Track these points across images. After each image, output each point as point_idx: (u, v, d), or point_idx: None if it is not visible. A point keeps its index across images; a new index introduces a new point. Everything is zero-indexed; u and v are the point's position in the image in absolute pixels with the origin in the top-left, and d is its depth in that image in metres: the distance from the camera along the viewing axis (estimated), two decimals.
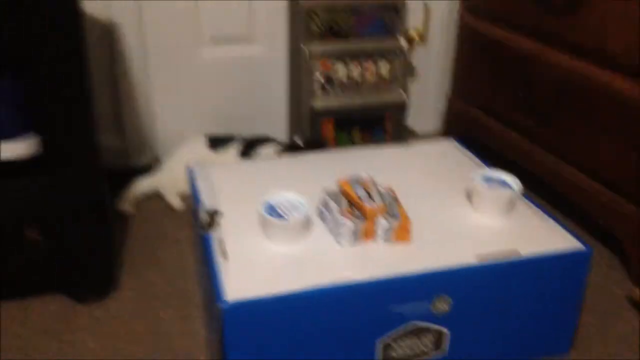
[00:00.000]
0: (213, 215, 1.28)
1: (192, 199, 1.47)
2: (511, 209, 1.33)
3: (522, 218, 1.32)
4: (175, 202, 1.88)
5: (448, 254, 1.19)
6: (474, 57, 2.10)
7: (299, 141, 1.93)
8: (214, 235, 1.23)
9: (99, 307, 1.41)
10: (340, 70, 1.97)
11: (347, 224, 1.20)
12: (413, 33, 2.07)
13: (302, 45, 1.92)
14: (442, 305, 1.17)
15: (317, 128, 1.99)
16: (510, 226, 1.30)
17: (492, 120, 2.04)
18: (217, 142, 1.97)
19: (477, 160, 1.57)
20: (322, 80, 1.96)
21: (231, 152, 1.94)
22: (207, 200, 1.34)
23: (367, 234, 1.22)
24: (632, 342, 1.36)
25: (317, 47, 1.94)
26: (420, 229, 1.24)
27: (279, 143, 1.93)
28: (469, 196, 1.38)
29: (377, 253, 1.19)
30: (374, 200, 1.23)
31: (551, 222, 1.31)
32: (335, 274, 1.11)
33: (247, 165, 1.66)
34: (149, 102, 2.05)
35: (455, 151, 1.64)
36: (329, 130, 2.02)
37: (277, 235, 1.20)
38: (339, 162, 1.56)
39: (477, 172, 1.37)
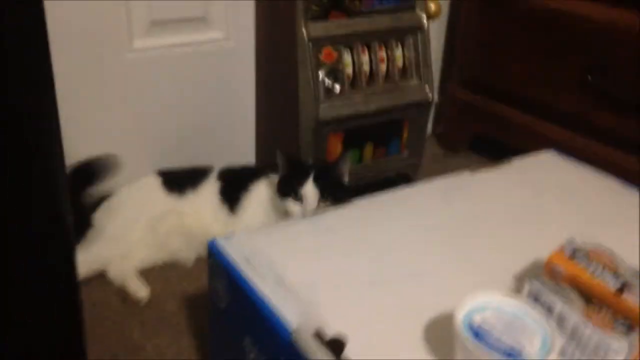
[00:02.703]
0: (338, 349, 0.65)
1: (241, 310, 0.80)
2: None
3: None
4: (139, 288, 1.18)
5: None
6: (503, 31, 1.60)
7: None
8: None
9: None
10: (347, 61, 1.37)
11: (621, 344, 0.63)
12: (432, 3, 1.48)
13: (302, 28, 1.28)
14: None
15: (322, 146, 1.38)
16: None
17: (528, 115, 1.57)
18: (177, 182, 1.29)
19: (612, 180, 1.07)
20: (326, 78, 1.34)
21: (206, 196, 1.28)
22: (302, 319, 0.70)
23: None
24: None
25: (318, 30, 1.31)
26: None
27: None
28: None
29: None
30: (631, 290, 0.68)
31: None
32: None
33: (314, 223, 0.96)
34: None
35: (571, 169, 1.12)
36: (335, 148, 1.41)
37: None
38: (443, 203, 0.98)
39: None
